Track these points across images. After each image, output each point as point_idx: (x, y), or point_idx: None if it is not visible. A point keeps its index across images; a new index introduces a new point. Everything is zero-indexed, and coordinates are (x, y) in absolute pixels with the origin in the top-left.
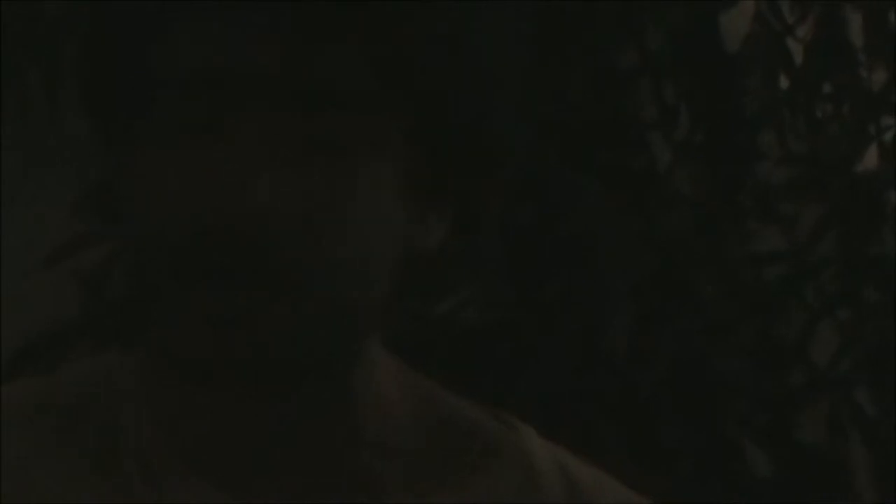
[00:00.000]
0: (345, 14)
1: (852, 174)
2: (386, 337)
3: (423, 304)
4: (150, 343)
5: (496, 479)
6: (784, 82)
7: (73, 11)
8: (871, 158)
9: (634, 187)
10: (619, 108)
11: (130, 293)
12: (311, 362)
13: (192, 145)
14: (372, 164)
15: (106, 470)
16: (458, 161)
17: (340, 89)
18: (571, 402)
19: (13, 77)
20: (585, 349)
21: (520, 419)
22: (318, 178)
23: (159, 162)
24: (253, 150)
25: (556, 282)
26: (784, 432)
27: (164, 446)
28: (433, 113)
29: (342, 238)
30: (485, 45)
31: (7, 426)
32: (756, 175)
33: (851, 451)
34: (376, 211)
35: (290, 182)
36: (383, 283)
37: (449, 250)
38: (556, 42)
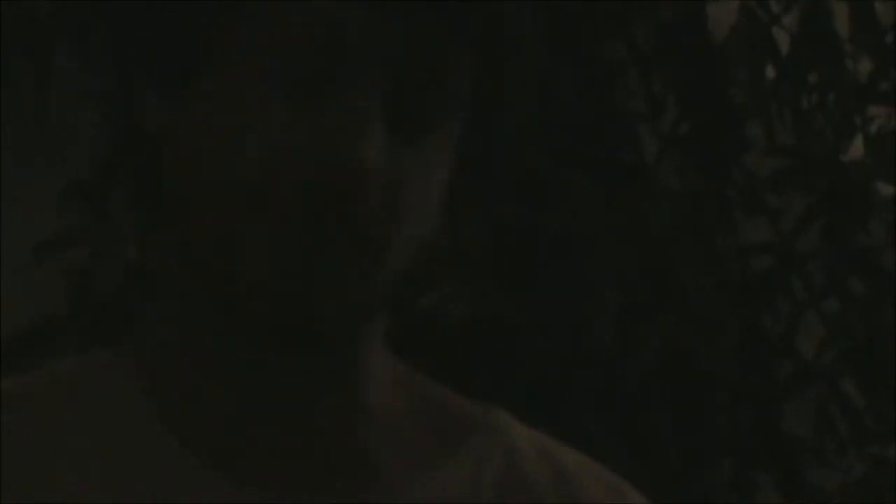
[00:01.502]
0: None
1: (839, 165)
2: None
3: (409, 296)
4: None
5: (478, 456)
6: (770, 73)
7: (67, 8)
8: (857, 149)
9: (621, 179)
10: (607, 100)
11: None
12: (356, 323)
13: (297, 103)
14: (447, 149)
15: (108, 462)
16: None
17: (442, 70)
18: (558, 396)
19: (4, 72)
20: (572, 342)
21: (506, 412)
22: (412, 150)
23: (258, 115)
24: (359, 113)
25: (543, 274)
26: (771, 424)
27: (159, 431)
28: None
29: (418, 210)
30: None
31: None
32: (743, 166)
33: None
34: (440, 193)
35: (387, 149)
36: (412, 264)
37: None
38: (544, 35)
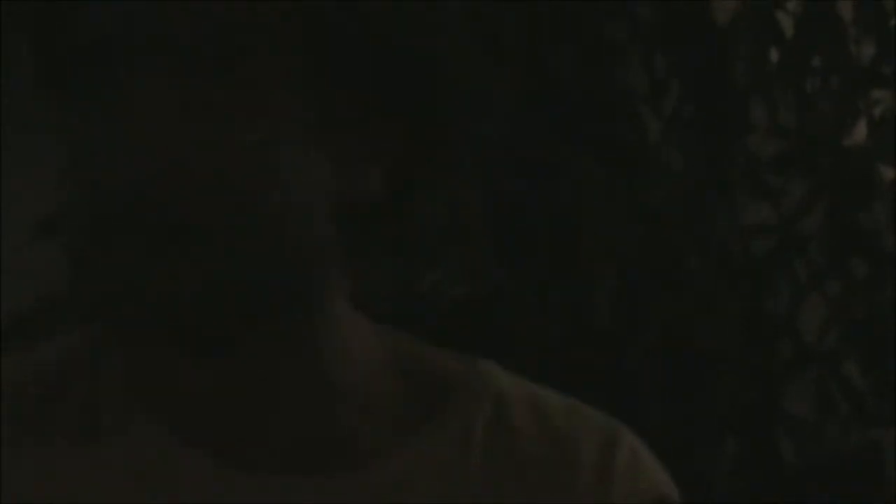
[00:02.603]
0: None
1: (841, 147)
2: (372, 310)
3: (409, 277)
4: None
5: (466, 411)
6: (774, 55)
7: None
8: (860, 132)
9: (623, 160)
10: (609, 80)
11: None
12: (252, 313)
13: (103, 108)
14: (279, 115)
15: (90, 443)
16: (381, 102)
17: (242, 43)
18: (558, 375)
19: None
20: (572, 322)
21: (491, 361)
22: (225, 132)
23: (81, 126)
24: (158, 109)
25: (544, 254)
26: (772, 405)
27: (144, 416)
28: (346, 56)
29: (255, 189)
30: None
31: None
32: (745, 148)
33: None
34: (289, 160)
35: (197, 138)
36: (318, 231)
37: (434, 223)
38: (546, 14)
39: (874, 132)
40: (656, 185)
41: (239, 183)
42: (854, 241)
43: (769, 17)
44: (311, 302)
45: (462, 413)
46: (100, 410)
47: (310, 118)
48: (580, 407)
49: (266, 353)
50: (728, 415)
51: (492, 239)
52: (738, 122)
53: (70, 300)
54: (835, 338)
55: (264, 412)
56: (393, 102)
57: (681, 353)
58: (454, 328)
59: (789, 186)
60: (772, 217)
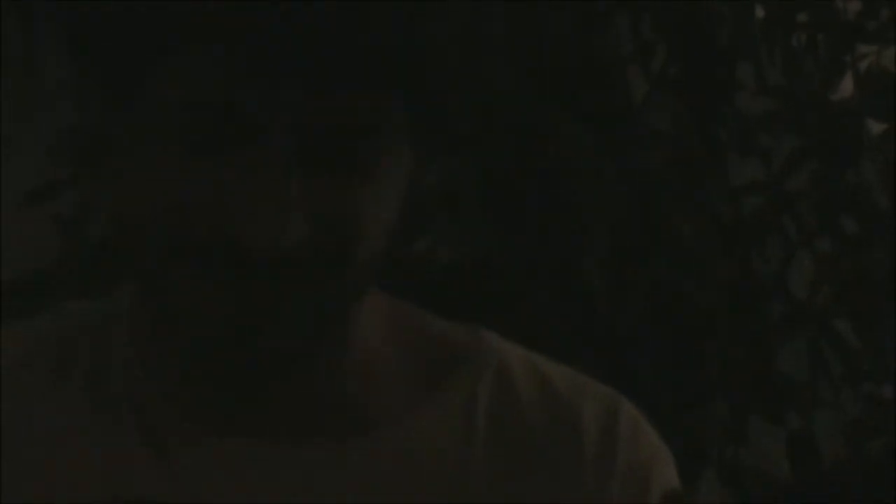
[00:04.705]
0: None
1: (829, 103)
2: None
3: (401, 242)
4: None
5: (471, 380)
6: (760, 12)
7: None
8: (847, 87)
9: (611, 122)
10: (596, 43)
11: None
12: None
13: (212, 165)
14: (384, 172)
15: (99, 414)
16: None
17: (374, 123)
18: (549, 338)
19: None
20: (563, 285)
21: (493, 332)
22: (331, 198)
23: (172, 175)
24: (271, 174)
25: (533, 217)
26: (764, 365)
27: (155, 388)
28: (439, 107)
29: (355, 245)
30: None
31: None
32: (732, 107)
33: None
34: (389, 210)
35: (304, 206)
36: (387, 247)
37: (425, 188)
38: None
39: (861, 87)
40: (644, 146)
41: (339, 245)
42: (843, 197)
43: None
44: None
45: (467, 381)
46: (108, 381)
47: (405, 163)
48: (581, 377)
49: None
50: (720, 375)
51: (481, 203)
52: (725, 82)
53: (60, 273)
54: (826, 295)
55: (278, 379)
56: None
57: (671, 315)
58: (444, 293)
59: (777, 144)
60: (761, 175)
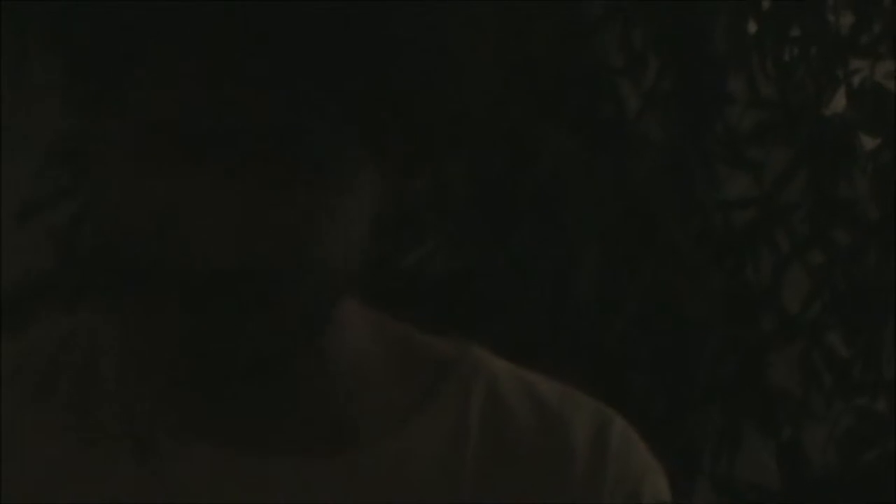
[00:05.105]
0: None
1: (821, 117)
2: (355, 287)
3: (392, 255)
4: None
5: (461, 395)
6: (752, 26)
7: None
8: (839, 102)
9: (603, 134)
10: (588, 54)
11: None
12: (279, 350)
13: (167, 176)
14: (346, 186)
15: (85, 423)
16: (430, 140)
17: (320, 135)
18: (542, 349)
19: None
20: (555, 295)
21: (480, 346)
22: (287, 212)
23: (133, 183)
24: (224, 189)
25: (525, 229)
26: (756, 376)
27: (143, 400)
28: (408, 117)
29: (313, 258)
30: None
31: None
32: (724, 120)
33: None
34: (351, 223)
35: (258, 220)
36: (356, 259)
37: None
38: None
39: (853, 102)
40: (637, 158)
41: (293, 258)
42: (835, 210)
43: None
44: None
45: (457, 396)
46: (96, 392)
47: (370, 178)
48: (571, 390)
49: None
50: (712, 387)
51: (473, 213)
52: (718, 94)
53: (56, 282)
54: (818, 308)
55: (265, 391)
56: (427, 125)
57: (664, 327)
58: (437, 303)
59: (769, 158)
60: (753, 188)
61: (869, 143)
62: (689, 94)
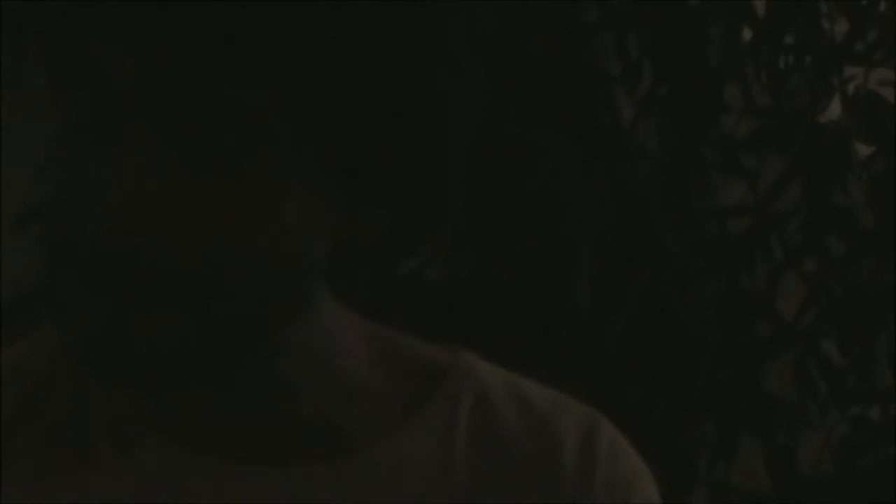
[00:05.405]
0: (244, 34)
1: (816, 125)
2: (349, 299)
3: (386, 265)
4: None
5: (450, 401)
6: (747, 34)
7: None
8: (834, 109)
9: (598, 142)
10: (583, 62)
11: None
12: (229, 351)
13: (86, 149)
14: (268, 173)
15: (76, 438)
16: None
17: (235, 108)
18: (538, 357)
19: None
20: (551, 302)
21: (471, 353)
22: (205, 191)
23: (62, 161)
24: (140, 162)
25: (521, 237)
26: (751, 385)
27: (131, 409)
28: (336, 118)
29: (239, 248)
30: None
31: None
32: (719, 128)
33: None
34: (288, 229)
35: (174, 197)
36: (311, 268)
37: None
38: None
39: (848, 109)
40: (632, 166)
41: (214, 241)
42: (830, 218)
43: None
44: (298, 312)
45: (446, 403)
46: (87, 398)
47: (302, 173)
48: (560, 396)
49: (254, 353)
50: (708, 394)
51: (469, 222)
52: (712, 102)
53: (43, 296)
54: (813, 316)
55: (253, 401)
56: (395, 158)
57: (659, 334)
58: (434, 314)
59: (764, 165)
60: (748, 196)
61: (864, 150)
62: (685, 101)
